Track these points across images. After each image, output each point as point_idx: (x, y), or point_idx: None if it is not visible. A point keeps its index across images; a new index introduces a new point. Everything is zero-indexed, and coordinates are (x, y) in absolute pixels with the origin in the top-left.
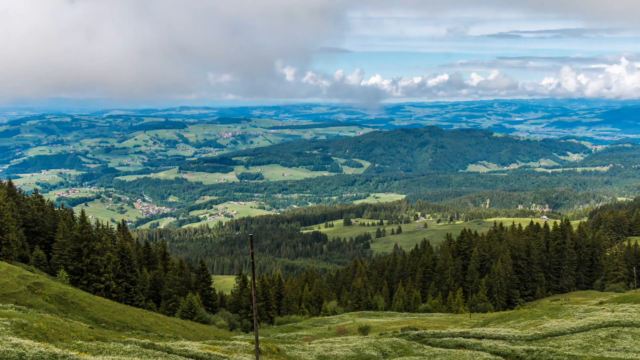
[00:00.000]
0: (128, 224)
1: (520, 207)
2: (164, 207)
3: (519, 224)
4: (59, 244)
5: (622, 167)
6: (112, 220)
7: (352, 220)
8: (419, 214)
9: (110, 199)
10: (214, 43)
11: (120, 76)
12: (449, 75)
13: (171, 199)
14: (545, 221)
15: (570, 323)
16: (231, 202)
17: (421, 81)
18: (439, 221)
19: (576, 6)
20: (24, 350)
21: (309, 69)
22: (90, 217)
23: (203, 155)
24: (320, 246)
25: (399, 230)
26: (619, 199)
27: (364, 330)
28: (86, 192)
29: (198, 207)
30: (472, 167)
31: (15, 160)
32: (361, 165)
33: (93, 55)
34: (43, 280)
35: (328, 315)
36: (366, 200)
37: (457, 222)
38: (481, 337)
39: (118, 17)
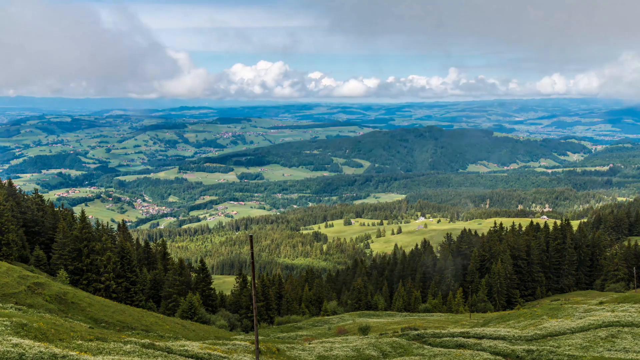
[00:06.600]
0: (128, 224)
1: (520, 207)
2: (164, 207)
3: (519, 224)
4: (59, 244)
5: (622, 167)
6: (112, 220)
7: (352, 220)
8: (419, 214)
9: (110, 199)
10: None
11: None
12: (449, 76)
13: (171, 199)
14: (545, 221)
15: (570, 323)
16: (231, 202)
17: (421, 82)
18: (439, 221)
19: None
20: (24, 350)
21: None
22: (90, 217)
23: (203, 155)
24: (320, 246)
25: (399, 230)
26: (619, 199)
27: (364, 330)
28: (86, 192)
29: (198, 207)
30: (472, 167)
31: (15, 160)
32: (361, 165)
33: None
34: (43, 280)
35: (328, 315)
36: (366, 200)
37: (457, 222)
38: (481, 337)
39: None
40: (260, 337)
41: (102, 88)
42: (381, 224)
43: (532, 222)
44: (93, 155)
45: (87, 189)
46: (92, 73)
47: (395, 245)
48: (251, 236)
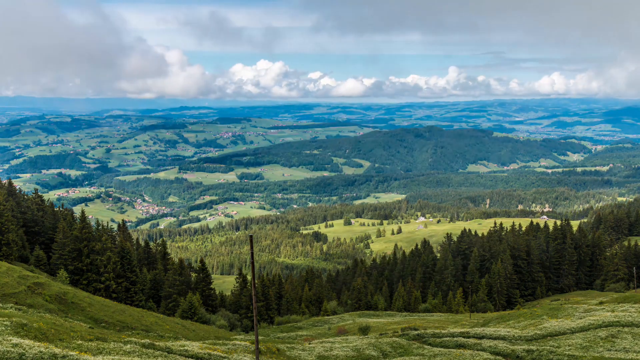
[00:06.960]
0: (128, 224)
1: (520, 207)
2: (164, 207)
3: (519, 224)
4: (59, 244)
5: (622, 167)
6: (112, 220)
7: (352, 220)
8: (419, 214)
9: (110, 199)
10: None
11: None
12: (449, 76)
13: (171, 199)
14: (545, 221)
15: (570, 323)
16: (231, 202)
17: (421, 82)
18: (439, 221)
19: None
20: (24, 350)
21: None
22: (90, 217)
23: (203, 155)
24: (320, 246)
25: (399, 230)
26: (619, 199)
27: (364, 330)
28: (86, 192)
29: (198, 207)
30: (472, 167)
31: (15, 160)
32: (361, 165)
33: None
34: (43, 280)
35: (328, 315)
36: (366, 200)
37: (457, 222)
38: (481, 337)
39: None
40: (260, 337)
41: (93, 85)
42: (381, 224)
43: (532, 222)
44: (93, 155)
45: (87, 189)
46: (71, 68)
47: (395, 245)
48: (251, 236)
